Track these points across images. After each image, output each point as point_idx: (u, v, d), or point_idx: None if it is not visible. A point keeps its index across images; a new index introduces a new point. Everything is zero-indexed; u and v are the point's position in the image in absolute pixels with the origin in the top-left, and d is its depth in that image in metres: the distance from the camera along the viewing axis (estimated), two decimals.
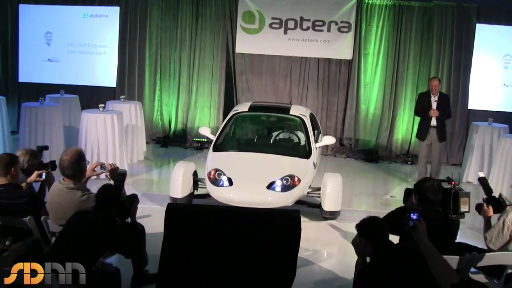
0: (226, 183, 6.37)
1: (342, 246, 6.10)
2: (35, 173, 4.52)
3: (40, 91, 10.79)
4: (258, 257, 3.39)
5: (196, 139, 11.17)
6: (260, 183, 6.33)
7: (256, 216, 3.73)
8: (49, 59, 11.79)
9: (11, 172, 4.31)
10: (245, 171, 6.59)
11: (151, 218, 6.26)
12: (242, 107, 8.14)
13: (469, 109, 10.92)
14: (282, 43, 11.10)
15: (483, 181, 4.47)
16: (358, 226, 3.70)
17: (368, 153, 10.98)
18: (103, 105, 8.65)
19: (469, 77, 10.79)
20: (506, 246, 4.13)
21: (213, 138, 7.52)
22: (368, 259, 3.64)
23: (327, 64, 11.20)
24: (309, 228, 6.34)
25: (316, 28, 11.01)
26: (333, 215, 6.72)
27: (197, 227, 3.49)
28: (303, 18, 11.02)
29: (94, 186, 4.44)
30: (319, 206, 6.78)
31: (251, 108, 8.03)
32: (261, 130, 8.49)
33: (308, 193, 6.82)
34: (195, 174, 7.10)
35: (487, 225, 4.30)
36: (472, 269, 4.05)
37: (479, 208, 4.38)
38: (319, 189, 6.83)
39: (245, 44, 11.22)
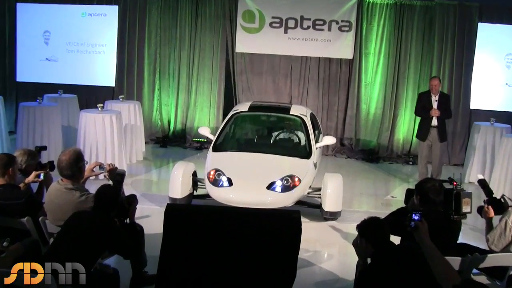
0: (225, 183, 6.37)
1: (342, 247, 6.09)
2: (33, 173, 4.52)
3: (38, 90, 10.80)
4: (258, 258, 3.39)
5: (196, 139, 11.18)
6: (260, 183, 6.33)
7: (256, 217, 3.73)
8: (47, 59, 11.79)
9: (9, 173, 4.31)
10: (245, 172, 6.59)
11: (150, 219, 6.26)
12: (242, 107, 8.14)
13: (471, 109, 10.92)
14: (283, 42, 11.11)
15: (483, 183, 4.47)
16: (358, 227, 3.70)
17: (369, 153, 10.98)
18: (101, 104, 8.65)
19: (471, 76, 10.80)
20: (508, 247, 4.13)
21: (213, 138, 7.51)
22: (369, 260, 3.63)
23: (327, 64, 11.21)
24: (309, 228, 6.33)
25: (317, 27, 11.02)
26: (333, 215, 6.71)
27: (197, 228, 3.48)
28: (303, 17, 11.03)
29: (92, 187, 4.43)
30: (319, 206, 6.78)
31: (251, 108, 8.03)
32: (261, 130, 8.49)
33: (308, 193, 6.82)
34: (194, 174, 7.10)
35: (489, 227, 4.30)
36: (474, 270, 4.05)
37: (480, 210, 4.38)
38: (319, 189, 6.83)
39: (245, 43, 11.22)
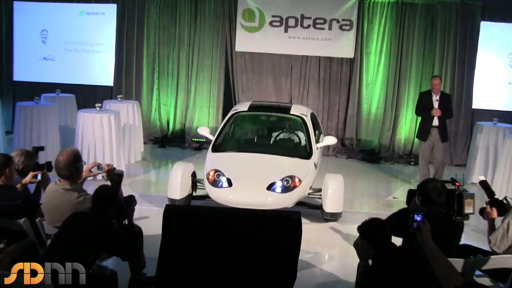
0: (225, 184, 6.37)
1: (343, 249, 6.09)
2: (30, 174, 4.52)
3: (35, 90, 10.81)
4: (258, 260, 3.39)
5: (195, 139, 11.18)
6: (260, 184, 6.32)
7: (255, 218, 3.73)
8: (44, 58, 11.80)
9: (6, 173, 4.31)
10: (244, 172, 6.58)
11: (149, 220, 6.26)
12: (242, 107, 8.14)
13: (474, 109, 10.92)
14: (283, 41, 11.11)
15: (484, 184, 4.47)
16: (360, 228, 3.70)
17: (370, 153, 10.97)
18: (99, 104, 8.65)
19: (474, 75, 10.79)
20: (511, 248, 4.12)
21: (212, 138, 7.51)
22: (370, 261, 3.63)
23: (328, 63, 11.21)
24: (310, 230, 6.32)
25: (317, 26, 11.02)
26: (334, 216, 6.71)
27: (196, 229, 3.48)
28: (304, 16, 11.03)
29: (90, 187, 4.43)
30: (320, 207, 6.78)
31: (251, 108, 8.03)
32: (261, 130, 8.49)
33: (309, 194, 6.82)
34: (193, 175, 7.10)
35: (491, 228, 4.29)
36: (478, 272, 4.05)
37: (482, 212, 4.38)
38: (320, 190, 6.83)
39: (245, 42, 11.23)
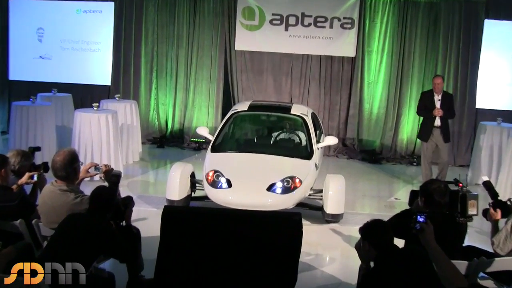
0: (224, 185, 6.37)
1: (345, 250, 6.09)
2: (26, 174, 4.52)
3: (31, 89, 10.80)
4: (257, 262, 3.39)
5: (194, 140, 11.19)
6: (260, 185, 6.32)
7: (255, 219, 3.72)
8: (40, 56, 11.80)
9: (1, 174, 4.31)
10: (244, 173, 6.59)
11: (147, 221, 6.25)
12: (241, 106, 8.14)
13: (477, 108, 10.92)
14: (283, 40, 11.11)
15: (488, 185, 4.46)
16: (361, 230, 3.69)
17: (371, 154, 10.98)
18: (97, 104, 8.66)
19: (477, 74, 10.79)
20: None
21: (211, 138, 7.51)
22: (372, 263, 3.63)
23: (329, 62, 11.21)
24: (310, 231, 6.32)
25: (318, 24, 11.02)
26: (335, 218, 6.71)
27: (195, 231, 3.48)
28: (304, 14, 11.03)
29: (87, 188, 4.43)
30: (321, 208, 6.77)
31: (251, 107, 8.03)
32: (261, 130, 8.50)
33: (309, 195, 6.82)
34: (192, 175, 7.09)
35: (495, 230, 4.29)
36: (482, 274, 4.05)
37: (485, 213, 4.37)
38: (321, 191, 6.83)
39: (244, 41, 11.23)
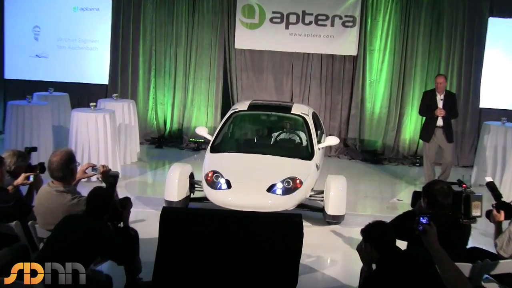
0: (224, 185, 6.37)
1: (346, 252, 6.09)
2: (22, 175, 4.51)
3: (27, 88, 10.80)
4: (257, 264, 3.39)
5: (193, 140, 11.19)
6: (260, 185, 6.32)
7: (255, 221, 3.73)
8: (37, 55, 11.80)
9: None
10: (244, 173, 6.58)
11: (145, 223, 6.25)
12: (241, 106, 8.14)
13: (481, 108, 10.92)
14: (284, 38, 11.12)
15: (491, 186, 4.46)
16: (363, 231, 3.69)
17: (373, 154, 10.98)
18: (94, 103, 8.65)
19: (481, 73, 10.80)
20: None
21: (211, 138, 7.51)
22: (374, 266, 3.63)
23: (330, 61, 11.21)
24: (311, 233, 6.32)
25: (319, 22, 11.03)
26: (336, 219, 6.71)
27: (194, 232, 3.48)
28: (305, 12, 11.04)
29: (84, 189, 4.43)
30: (322, 210, 6.78)
31: (251, 107, 8.03)
32: (261, 130, 8.50)
33: (310, 196, 6.81)
34: (191, 176, 7.09)
35: (498, 231, 4.29)
36: (486, 276, 4.04)
37: (489, 214, 4.37)
38: (322, 192, 6.82)
39: (244, 39, 11.23)
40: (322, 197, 6.80)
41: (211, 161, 6.93)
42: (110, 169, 4.64)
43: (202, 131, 7.81)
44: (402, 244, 3.80)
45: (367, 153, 11.07)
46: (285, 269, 3.41)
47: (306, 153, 7.19)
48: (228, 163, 6.83)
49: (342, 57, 11.19)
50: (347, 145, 11.32)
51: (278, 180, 6.39)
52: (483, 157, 9.20)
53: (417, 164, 10.58)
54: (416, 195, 4.44)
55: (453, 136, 8.51)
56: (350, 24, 10.96)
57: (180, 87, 11.47)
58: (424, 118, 8.80)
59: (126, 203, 4.59)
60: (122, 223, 4.42)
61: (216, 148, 7.32)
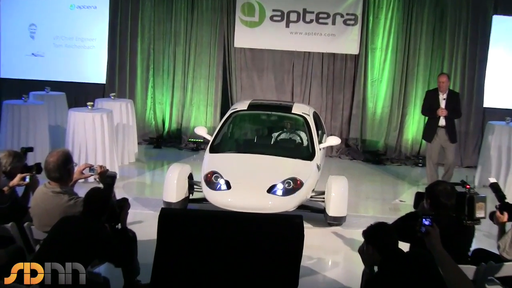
0: (223, 186, 6.37)
1: (348, 254, 6.09)
2: (18, 176, 4.51)
3: (23, 88, 10.77)
4: (258, 266, 3.39)
5: (192, 140, 11.18)
6: (260, 186, 6.33)
7: (255, 222, 3.73)
8: (33, 54, 11.79)
9: None
10: (244, 174, 6.59)
11: (143, 224, 6.25)
12: (241, 106, 8.14)
13: (485, 107, 10.92)
14: (284, 37, 11.11)
15: (495, 187, 4.45)
16: (365, 233, 3.69)
17: (375, 154, 10.98)
18: (91, 103, 8.65)
19: (485, 72, 10.80)
20: None
21: (210, 138, 7.51)
22: (376, 268, 3.63)
23: (331, 60, 11.21)
24: (312, 234, 6.33)
25: (320, 21, 11.03)
26: (338, 221, 6.71)
27: (193, 234, 3.48)
28: (306, 10, 11.04)
29: (82, 190, 4.43)
30: (323, 211, 6.78)
31: (251, 107, 8.03)
32: (261, 130, 8.50)
33: (311, 197, 6.81)
34: (190, 177, 7.10)
35: (501, 233, 4.29)
36: (491, 278, 4.04)
37: (492, 216, 4.37)
38: (323, 193, 6.82)
39: (244, 38, 11.23)
40: (323, 198, 6.79)
41: (211, 161, 6.93)
42: (107, 170, 4.64)
43: (201, 131, 7.82)
44: (404, 246, 3.80)
45: (369, 153, 11.07)
46: (285, 271, 3.41)
47: (307, 154, 7.19)
48: (227, 163, 6.84)
49: (344, 56, 11.19)
50: (348, 145, 11.32)
51: (279, 180, 6.39)
52: (487, 157, 9.19)
53: (420, 165, 10.58)
54: (418, 196, 4.44)
55: (456, 136, 8.50)
56: (352, 22, 10.96)
57: (179, 86, 11.47)
58: (426, 118, 8.79)
59: (124, 204, 4.58)
60: (119, 224, 4.42)
61: (216, 148, 7.32)
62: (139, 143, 10.64)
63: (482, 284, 3.87)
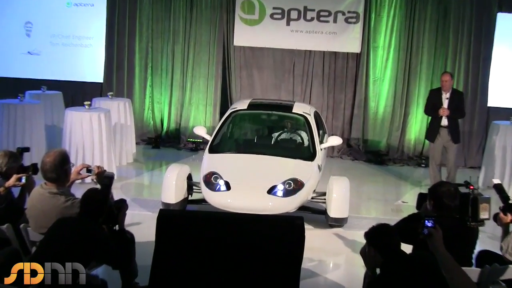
0: (223, 187, 6.38)
1: (349, 256, 6.09)
2: (14, 176, 4.51)
3: (19, 87, 10.74)
4: (257, 268, 3.39)
5: (191, 140, 11.19)
6: (260, 187, 6.33)
7: (255, 224, 3.73)
8: (29, 52, 11.79)
9: None
10: (244, 175, 6.59)
11: (142, 226, 6.26)
12: (241, 105, 8.15)
13: (489, 107, 10.92)
14: (285, 35, 11.12)
15: (499, 188, 4.45)
16: (366, 235, 3.69)
17: (377, 155, 10.98)
18: (89, 102, 8.66)
19: (489, 71, 10.79)
20: None
21: (209, 138, 7.52)
22: (378, 270, 3.63)
23: (333, 58, 11.22)
24: (313, 236, 6.34)
25: (321, 19, 11.03)
26: (339, 222, 6.72)
27: (192, 235, 3.48)
28: (307, 8, 11.04)
29: (79, 191, 4.43)
30: (324, 212, 6.78)
31: (250, 106, 8.04)
32: (261, 130, 8.51)
33: (312, 198, 6.82)
34: (189, 177, 7.11)
35: (505, 234, 4.29)
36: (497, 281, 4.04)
37: (496, 217, 4.38)
38: (324, 194, 6.83)
39: (244, 36, 11.24)
40: (325, 199, 6.80)
41: (210, 162, 6.94)
42: (105, 170, 4.64)
43: (201, 131, 7.82)
44: (407, 248, 3.81)
45: (370, 153, 11.08)
46: (286, 274, 3.41)
47: (308, 154, 7.20)
48: (227, 164, 6.84)
49: (345, 55, 11.19)
50: (350, 146, 11.32)
51: (279, 181, 6.39)
52: (491, 157, 9.19)
53: (423, 165, 10.58)
54: (421, 197, 4.44)
55: (459, 137, 8.47)
56: (353, 20, 10.96)
57: (178, 85, 11.47)
58: (430, 117, 8.79)
59: (122, 205, 4.58)
60: (117, 226, 4.42)
61: (215, 149, 7.33)
62: (137, 143, 10.64)
63: (487, 287, 3.87)
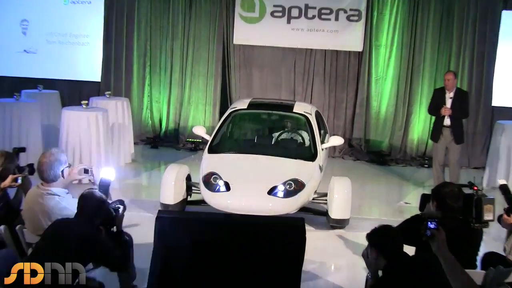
0: (222, 188, 6.37)
1: (351, 258, 6.09)
2: (10, 177, 4.51)
3: (15, 85, 10.80)
4: (258, 271, 3.39)
5: (190, 140, 11.19)
6: (260, 188, 6.33)
7: (256, 225, 3.73)
8: (25, 50, 11.80)
9: None
10: (243, 175, 6.59)
11: (140, 227, 6.24)
12: (241, 104, 8.15)
13: (493, 106, 10.91)
14: (285, 33, 11.12)
15: (504, 189, 4.45)
16: (368, 236, 3.70)
17: (380, 155, 10.98)
18: (86, 102, 8.66)
19: (494, 70, 10.79)
20: None
21: (209, 138, 7.52)
22: (380, 272, 3.63)
23: (334, 57, 11.22)
24: (314, 238, 6.32)
25: (323, 16, 11.03)
26: (341, 223, 6.72)
27: (191, 237, 3.48)
28: (308, 5, 11.04)
29: (76, 192, 4.43)
30: (325, 213, 6.79)
31: (251, 105, 8.04)
32: (262, 130, 8.52)
33: (313, 199, 6.82)
34: (188, 178, 7.11)
35: (509, 236, 4.30)
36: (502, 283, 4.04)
37: (499, 218, 4.38)
38: (325, 194, 6.83)
39: (244, 34, 11.24)
40: (326, 200, 6.80)
41: (209, 162, 6.94)
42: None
43: (200, 131, 7.82)
44: (410, 250, 3.81)
45: (373, 153, 11.08)
46: (287, 276, 3.42)
47: (309, 154, 7.20)
48: (227, 164, 6.84)
49: (347, 53, 11.19)
50: (352, 146, 11.32)
51: (280, 182, 6.39)
52: (495, 158, 9.19)
53: (426, 166, 10.58)
54: (424, 198, 4.45)
55: (463, 137, 8.44)
56: (355, 18, 10.96)
57: (177, 84, 11.48)
58: (434, 117, 8.79)
59: (120, 206, 4.59)
60: (115, 227, 4.42)
61: (215, 149, 7.33)
62: (135, 143, 10.64)
63: None
